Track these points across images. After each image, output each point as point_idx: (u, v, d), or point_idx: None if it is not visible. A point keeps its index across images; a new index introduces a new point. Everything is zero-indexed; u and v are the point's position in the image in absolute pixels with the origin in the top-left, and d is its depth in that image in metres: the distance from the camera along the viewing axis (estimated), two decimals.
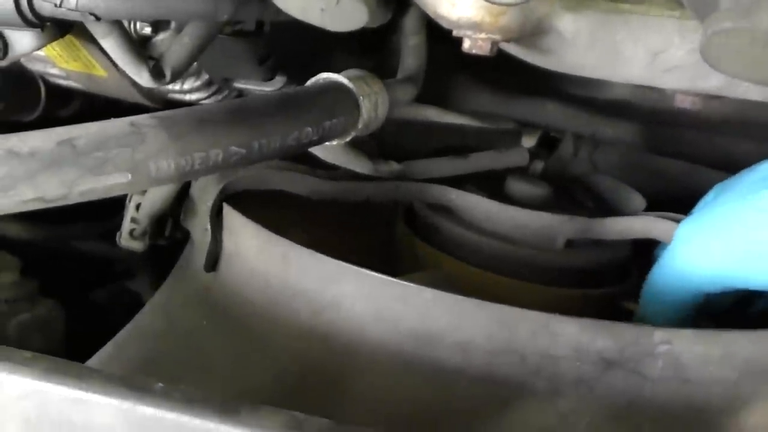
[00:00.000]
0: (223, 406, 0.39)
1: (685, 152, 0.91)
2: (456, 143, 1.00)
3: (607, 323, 0.48)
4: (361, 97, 0.55)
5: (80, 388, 0.41)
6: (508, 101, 0.99)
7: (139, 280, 1.03)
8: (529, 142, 1.03)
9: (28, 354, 0.43)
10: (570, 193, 0.79)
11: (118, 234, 0.68)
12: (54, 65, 0.68)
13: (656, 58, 0.58)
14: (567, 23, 0.58)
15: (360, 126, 0.56)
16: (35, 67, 0.71)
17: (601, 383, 0.49)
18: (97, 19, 0.50)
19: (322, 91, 0.54)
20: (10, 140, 0.42)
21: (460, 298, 0.51)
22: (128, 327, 0.67)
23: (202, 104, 0.47)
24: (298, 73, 0.72)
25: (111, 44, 0.54)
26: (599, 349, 0.49)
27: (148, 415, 0.39)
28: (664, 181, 0.91)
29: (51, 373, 0.42)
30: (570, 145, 0.95)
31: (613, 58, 0.60)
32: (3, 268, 0.73)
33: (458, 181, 0.75)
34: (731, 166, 0.62)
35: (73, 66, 0.66)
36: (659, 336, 0.48)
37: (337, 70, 0.57)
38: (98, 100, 0.82)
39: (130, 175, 0.44)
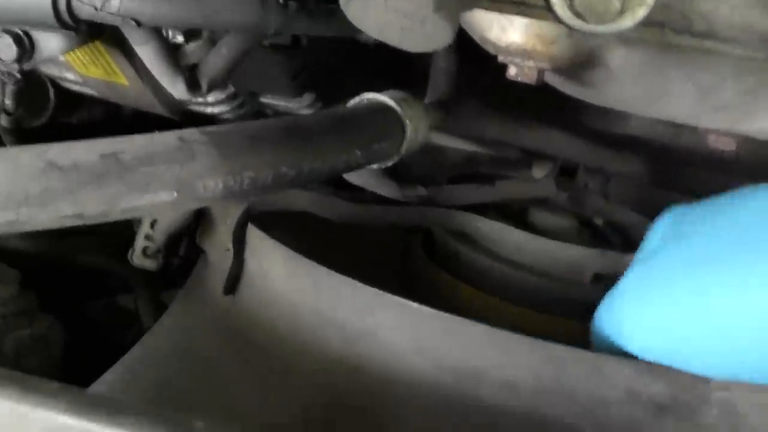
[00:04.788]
0: None
1: (692, 190, 0.91)
2: (468, 170, 0.98)
3: (662, 367, 0.47)
4: (407, 121, 0.53)
5: (113, 425, 0.38)
6: (516, 129, 0.97)
7: (131, 296, 0.99)
8: (538, 172, 1.02)
9: (55, 385, 0.39)
10: (592, 226, 0.77)
11: (130, 251, 0.64)
12: (71, 70, 0.65)
13: (705, 97, 0.57)
14: (617, 57, 0.56)
15: (403, 150, 0.54)
16: (49, 70, 0.67)
17: (653, 429, 0.47)
18: (138, 25, 0.47)
19: (371, 112, 0.51)
20: (51, 150, 0.39)
21: (509, 334, 0.48)
22: (137, 348, 0.63)
23: (251, 121, 0.44)
24: (326, 90, 0.69)
25: (148, 53, 0.51)
26: (652, 394, 0.47)
27: None
28: None
29: (79, 407, 0.38)
30: (582, 176, 0.94)
31: (659, 94, 0.58)
32: (2, 281, 0.68)
33: (479, 209, 0.73)
34: None
35: (93, 72, 0.63)
36: (716, 383, 0.46)
37: (361, 89, 0.55)
38: (108, 106, 0.79)
39: (176, 194, 0.41)
